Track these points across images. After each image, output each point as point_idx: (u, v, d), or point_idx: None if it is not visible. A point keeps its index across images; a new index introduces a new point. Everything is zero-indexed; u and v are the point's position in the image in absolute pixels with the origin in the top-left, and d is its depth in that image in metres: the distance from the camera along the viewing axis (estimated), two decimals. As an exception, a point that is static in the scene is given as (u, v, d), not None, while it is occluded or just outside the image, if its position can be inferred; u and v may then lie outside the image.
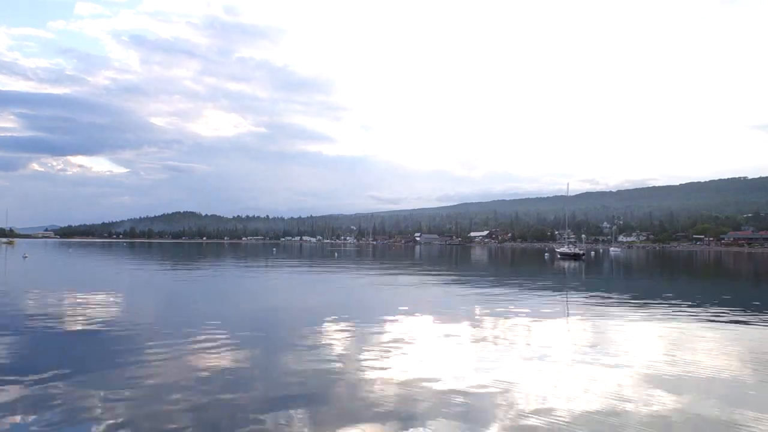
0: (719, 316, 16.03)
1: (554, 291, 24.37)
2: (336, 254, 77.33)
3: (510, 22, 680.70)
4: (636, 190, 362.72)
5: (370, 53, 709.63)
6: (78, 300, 18.21)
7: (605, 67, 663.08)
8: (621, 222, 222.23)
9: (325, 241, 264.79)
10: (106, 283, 26.54)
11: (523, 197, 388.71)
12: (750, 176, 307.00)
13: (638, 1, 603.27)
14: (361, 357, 9.91)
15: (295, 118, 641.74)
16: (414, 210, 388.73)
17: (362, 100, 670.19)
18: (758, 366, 9.64)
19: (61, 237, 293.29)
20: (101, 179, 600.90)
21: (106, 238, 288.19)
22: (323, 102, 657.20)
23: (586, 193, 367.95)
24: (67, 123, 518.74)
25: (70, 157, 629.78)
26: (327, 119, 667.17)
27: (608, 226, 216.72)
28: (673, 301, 19.63)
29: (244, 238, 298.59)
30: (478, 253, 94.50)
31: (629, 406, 7.14)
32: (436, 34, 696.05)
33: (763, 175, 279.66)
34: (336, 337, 11.88)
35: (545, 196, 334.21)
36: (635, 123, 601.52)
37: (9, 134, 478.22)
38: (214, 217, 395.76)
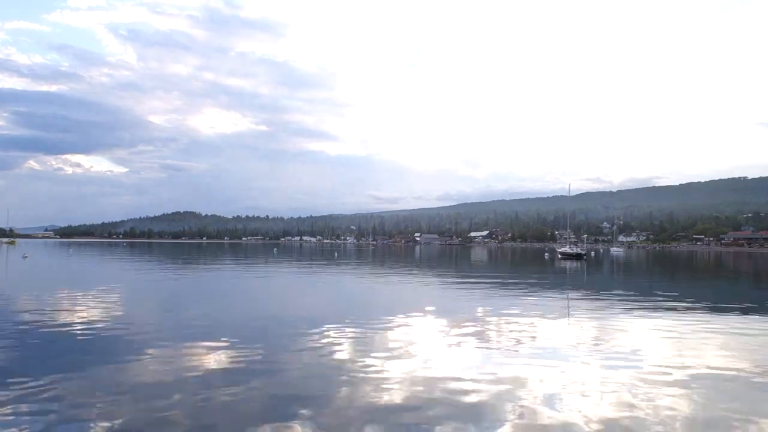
0: (721, 315, 16.01)
1: (557, 291, 24.33)
2: (336, 254, 77.36)
3: (514, 21, 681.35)
4: (636, 190, 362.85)
5: (373, 50, 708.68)
6: (77, 301, 18.17)
7: (611, 65, 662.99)
8: (621, 222, 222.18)
9: (325, 241, 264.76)
10: (105, 284, 26.49)
11: (524, 197, 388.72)
12: (750, 176, 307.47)
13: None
14: (363, 358, 9.87)
15: (296, 115, 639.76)
16: (414, 210, 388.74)
17: (365, 98, 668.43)
18: (764, 365, 9.61)
19: (61, 237, 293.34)
20: (101, 179, 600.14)
21: (106, 238, 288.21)
22: (325, 99, 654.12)
23: (587, 192, 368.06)
24: (63, 121, 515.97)
25: (68, 156, 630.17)
26: (329, 117, 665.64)
27: (608, 226, 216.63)
28: (675, 301, 19.60)
29: (244, 238, 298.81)
30: (478, 254, 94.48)
31: (637, 406, 7.11)
32: (440, 32, 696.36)
33: (763, 175, 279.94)
34: (337, 338, 11.85)
35: (545, 195, 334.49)
36: (641, 121, 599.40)
37: (5, 132, 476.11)
38: (215, 217, 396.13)
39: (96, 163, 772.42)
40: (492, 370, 9.04)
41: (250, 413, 6.77)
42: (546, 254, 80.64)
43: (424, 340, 11.77)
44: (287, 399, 7.38)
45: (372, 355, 10.10)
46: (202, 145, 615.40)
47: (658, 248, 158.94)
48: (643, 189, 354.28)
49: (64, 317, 14.30)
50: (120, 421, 6.43)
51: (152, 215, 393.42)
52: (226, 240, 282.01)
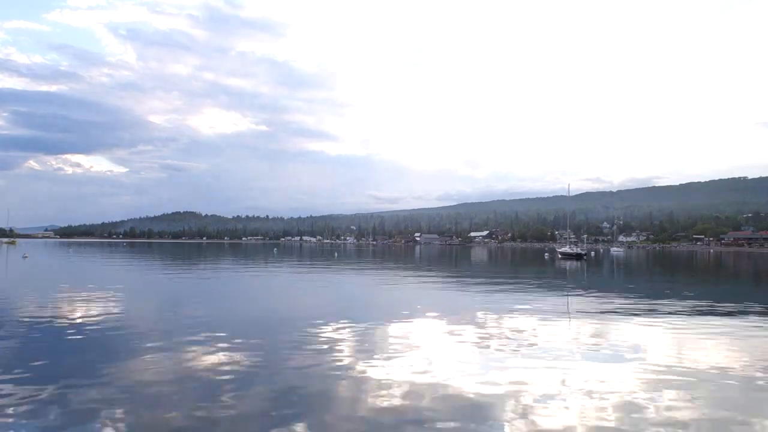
0: (722, 315, 16.00)
1: (557, 291, 24.33)
2: (336, 254, 77.39)
3: (514, 21, 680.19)
4: (636, 190, 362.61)
5: (373, 50, 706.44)
6: (77, 301, 18.17)
7: (611, 65, 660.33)
8: (621, 222, 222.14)
9: (325, 241, 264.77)
10: (105, 284, 26.49)
11: (524, 197, 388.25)
12: (750, 176, 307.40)
13: None
14: (364, 359, 9.86)
15: (296, 115, 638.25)
16: (414, 210, 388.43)
17: (365, 98, 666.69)
18: (765, 365, 9.59)
19: (61, 237, 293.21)
20: (101, 179, 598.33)
21: (106, 238, 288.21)
22: (325, 99, 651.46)
23: (586, 192, 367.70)
24: (63, 121, 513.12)
25: (68, 156, 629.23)
26: (329, 117, 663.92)
27: (608, 226, 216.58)
28: (675, 301, 19.59)
29: (244, 238, 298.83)
30: (478, 254, 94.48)
31: (638, 406, 7.10)
32: (440, 32, 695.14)
33: (763, 175, 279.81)
34: (338, 338, 11.84)
35: (545, 195, 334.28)
36: (641, 121, 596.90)
37: (5, 132, 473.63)
38: (215, 217, 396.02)
39: (96, 163, 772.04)
40: (492, 371, 9.02)
41: (251, 414, 6.76)
42: (546, 254, 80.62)
43: (424, 341, 11.75)
44: (288, 400, 7.36)
45: (372, 355, 10.09)
46: (202, 145, 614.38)
47: (658, 248, 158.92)
48: (643, 189, 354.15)
49: (64, 317, 14.28)
50: (120, 421, 6.42)
51: (152, 215, 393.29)
52: (226, 240, 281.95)
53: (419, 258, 70.02)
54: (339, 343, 11.14)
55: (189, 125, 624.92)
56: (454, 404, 7.21)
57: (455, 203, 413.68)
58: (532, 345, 11.27)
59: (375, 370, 8.99)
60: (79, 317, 14.35)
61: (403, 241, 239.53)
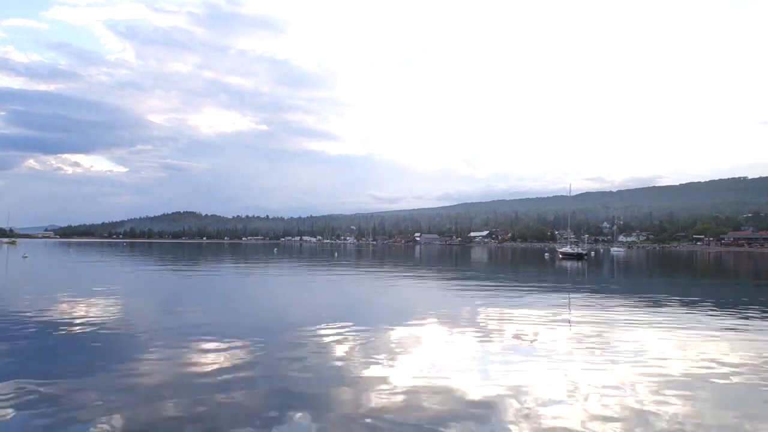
0: (722, 315, 15.97)
1: (558, 291, 24.30)
2: (336, 254, 77.41)
3: (515, 21, 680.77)
4: (636, 190, 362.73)
5: (374, 49, 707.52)
6: (77, 301, 18.15)
7: (612, 65, 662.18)
8: (621, 222, 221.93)
9: (325, 241, 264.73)
10: (105, 284, 26.46)
11: (524, 197, 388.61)
12: (750, 176, 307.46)
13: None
14: (365, 360, 9.84)
15: (296, 114, 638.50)
16: (414, 210, 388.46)
17: (365, 98, 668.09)
18: (766, 365, 9.58)
19: (61, 237, 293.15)
20: (101, 179, 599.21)
21: (106, 238, 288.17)
22: (326, 98, 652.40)
23: (587, 192, 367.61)
24: (62, 120, 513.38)
25: (68, 156, 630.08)
26: (329, 116, 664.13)
27: (608, 226, 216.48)
28: (675, 301, 19.57)
29: (244, 238, 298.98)
30: (478, 254, 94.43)
31: (639, 407, 7.09)
32: (441, 32, 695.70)
33: (764, 175, 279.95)
34: (338, 339, 11.82)
35: (546, 195, 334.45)
36: (642, 120, 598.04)
37: (3, 132, 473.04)
38: (215, 217, 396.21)
39: (96, 163, 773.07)
40: (493, 371, 9.01)
41: (250, 415, 6.74)
42: (546, 254, 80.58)
43: (424, 341, 11.74)
44: (288, 400, 7.35)
45: (373, 356, 10.08)
46: (201, 144, 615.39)
47: (658, 248, 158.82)
48: (644, 189, 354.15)
49: (64, 318, 14.26)
50: (120, 421, 6.41)
51: (152, 215, 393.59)
52: (226, 240, 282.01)
53: (419, 258, 70.01)
54: (339, 344, 11.13)
55: (189, 124, 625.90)
56: (454, 405, 7.19)
57: (455, 203, 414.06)
58: (532, 346, 11.25)
59: (375, 370, 8.98)
60: (79, 317, 14.32)
61: (403, 241, 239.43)
